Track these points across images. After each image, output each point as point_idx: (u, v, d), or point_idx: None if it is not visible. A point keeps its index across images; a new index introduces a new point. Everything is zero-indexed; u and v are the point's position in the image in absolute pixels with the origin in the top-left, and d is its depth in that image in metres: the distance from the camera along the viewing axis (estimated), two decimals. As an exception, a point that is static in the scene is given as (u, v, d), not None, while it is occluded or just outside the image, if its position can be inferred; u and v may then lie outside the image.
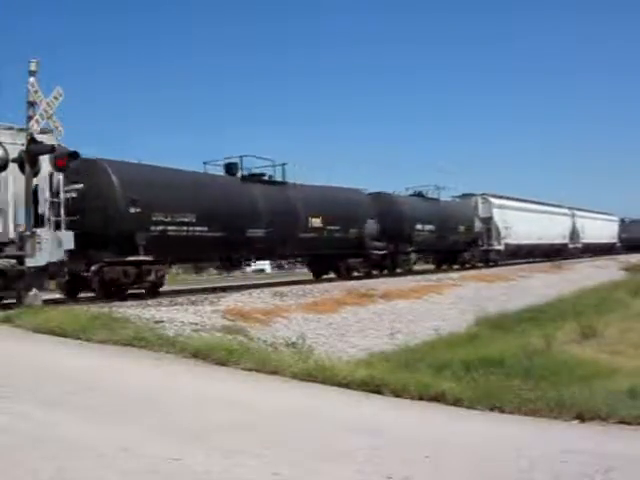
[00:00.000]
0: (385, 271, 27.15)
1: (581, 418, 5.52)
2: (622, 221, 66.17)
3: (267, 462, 4.23)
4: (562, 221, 47.02)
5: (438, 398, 6.19)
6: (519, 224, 37.95)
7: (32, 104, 13.23)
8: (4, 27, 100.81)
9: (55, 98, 13.23)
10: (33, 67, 13.20)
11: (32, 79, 13.21)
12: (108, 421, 5.28)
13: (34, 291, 12.83)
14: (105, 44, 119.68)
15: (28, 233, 13.13)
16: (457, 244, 32.68)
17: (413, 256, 29.34)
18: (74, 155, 13.63)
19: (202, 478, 3.95)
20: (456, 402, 6.08)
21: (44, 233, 13.39)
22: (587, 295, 26.64)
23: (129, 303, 13.77)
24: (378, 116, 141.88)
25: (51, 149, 13.29)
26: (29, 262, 13.03)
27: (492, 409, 5.89)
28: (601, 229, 56.99)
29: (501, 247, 35.97)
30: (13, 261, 13.01)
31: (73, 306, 12.61)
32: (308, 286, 19.64)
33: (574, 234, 48.58)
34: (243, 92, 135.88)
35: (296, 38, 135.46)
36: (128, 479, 3.95)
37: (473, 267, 33.05)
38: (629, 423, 5.32)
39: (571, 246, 47.63)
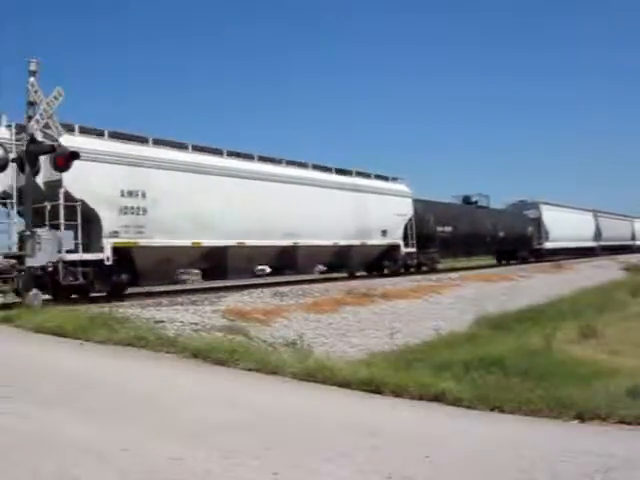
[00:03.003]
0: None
1: (581, 418, 5.52)
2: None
3: (267, 462, 4.23)
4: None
5: (438, 398, 6.19)
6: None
7: (32, 104, 13.22)
8: (4, 27, 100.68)
9: (55, 98, 13.22)
10: (33, 67, 13.19)
11: (32, 79, 13.20)
12: (108, 421, 5.27)
13: (34, 291, 12.83)
14: (105, 45, 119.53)
15: (28, 233, 13.13)
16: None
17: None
18: (75, 155, 13.61)
19: (202, 478, 3.94)
20: (456, 402, 6.08)
21: (44, 233, 13.38)
22: (587, 295, 26.66)
23: (129, 303, 13.77)
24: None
25: (51, 149, 13.29)
26: (29, 262, 13.02)
27: (492, 409, 5.90)
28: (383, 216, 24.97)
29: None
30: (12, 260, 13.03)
31: (73, 306, 12.61)
32: (308, 286, 19.63)
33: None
34: (243, 93, 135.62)
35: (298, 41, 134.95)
36: (128, 479, 3.95)
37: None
38: (629, 423, 5.32)
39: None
